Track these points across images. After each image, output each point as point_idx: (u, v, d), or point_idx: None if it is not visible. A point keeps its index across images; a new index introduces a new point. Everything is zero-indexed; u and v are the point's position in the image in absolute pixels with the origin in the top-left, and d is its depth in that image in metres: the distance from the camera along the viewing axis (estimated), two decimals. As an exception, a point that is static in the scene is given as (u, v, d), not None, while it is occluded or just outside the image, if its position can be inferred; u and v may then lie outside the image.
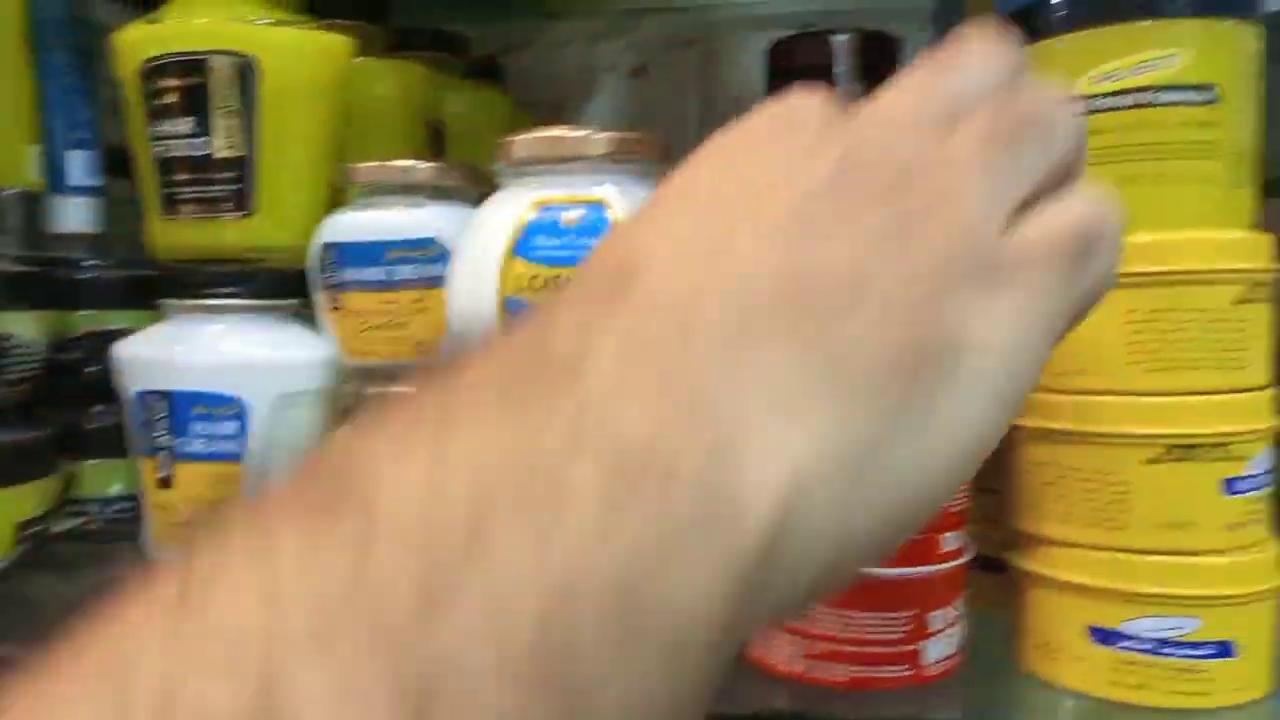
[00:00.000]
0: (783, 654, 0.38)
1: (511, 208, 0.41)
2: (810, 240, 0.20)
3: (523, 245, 0.40)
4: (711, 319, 0.18)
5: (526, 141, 0.41)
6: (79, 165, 0.57)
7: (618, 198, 0.40)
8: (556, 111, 0.85)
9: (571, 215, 0.40)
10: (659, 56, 0.85)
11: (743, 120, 0.23)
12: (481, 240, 0.41)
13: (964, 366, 0.20)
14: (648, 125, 0.82)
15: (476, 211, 0.43)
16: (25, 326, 0.52)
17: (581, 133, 0.41)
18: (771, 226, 0.20)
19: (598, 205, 0.40)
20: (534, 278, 0.39)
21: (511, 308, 0.40)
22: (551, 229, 0.40)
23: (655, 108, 0.85)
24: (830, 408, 0.18)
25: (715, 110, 0.84)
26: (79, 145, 0.58)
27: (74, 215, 0.57)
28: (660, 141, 0.42)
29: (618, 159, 0.41)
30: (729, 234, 0.20)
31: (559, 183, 0.40)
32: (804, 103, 0.23)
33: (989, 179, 0.22)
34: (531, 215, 0.40)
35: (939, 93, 0.23)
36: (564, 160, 0.41)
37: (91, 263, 0.57)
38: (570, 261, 0.39)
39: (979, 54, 0.23)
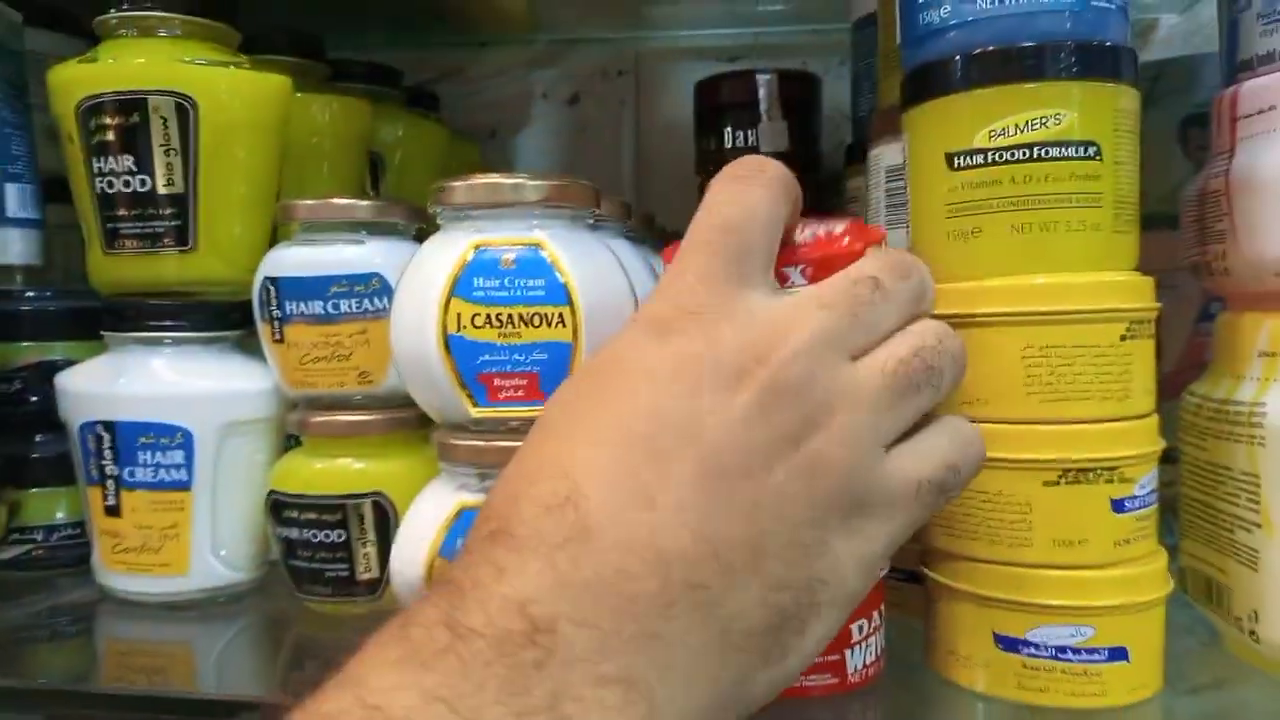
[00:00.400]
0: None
1: (451, 249, 0.43)
2: (719, 502, 0.23)
3: (463, 285, 0.42)
4: (639, 591, 0.22)
5: (465, 187, 0.43)
6: (15, 199, 0.58)
7: (551, 240, 0.42)
8: (490, 137, 0.87)
9: (509, 257, 0.42)
10: (592, 85, 0.87)
11: (665, 321, 0.27)
12: (422, 279, 0.43)
13: (825, 598, 0.25)
14: (582, 151, 0.85)
15: (417, 251, 0.44)
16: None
17: (518, 179, 0.43)
18: (690, 480, 0.23)
19: (534, 248, 0.42)
20: (475, 315, 0.41)
21: (453, 344, 0.42)
22: (491, 269, 0.42)
23: (589, 134, 0.87)
24: (712, 665, 0.23)
25: (648, 137, 0.86)
26: (14, 179, 0.58)
27: (12, 248, 0.58)
28: (591, 186, 0.45)
29: (552, 204, 0.43)
30: (652, 488, 0.23)
31: (496, 227, 0.43)
32: (714, 306, 0.27)
33: (887, 416, 0.26)
34: (470, 256, 0.42)
35: (861, 318, 0.27)
36: (501, 205, 0.43)
37: (32, 294, 0.58)
38: (508, 301, 0.41)
39: (896, 280, 0.28)
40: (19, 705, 0.46)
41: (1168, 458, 0.42)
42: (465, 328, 0.41)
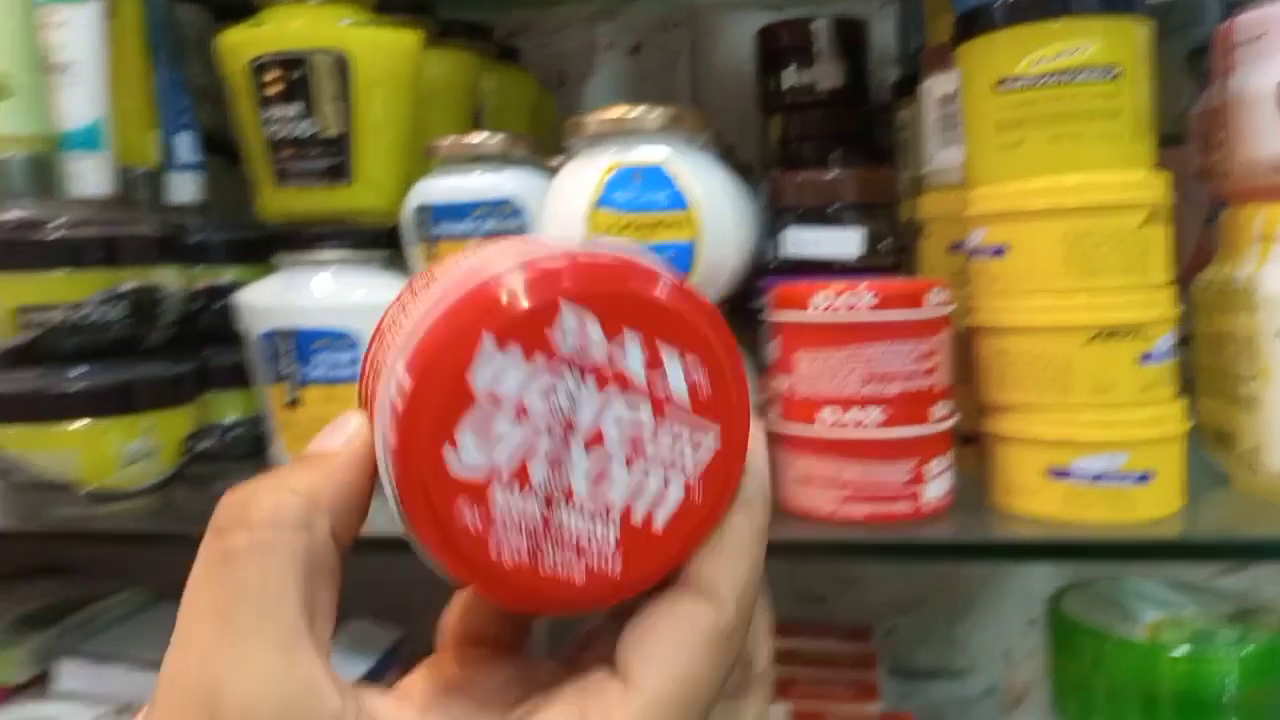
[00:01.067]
0: (818, 501, 0.51)
1: (591, 171, 0.52)
2: None
3: (605, 199, 0.51)
4: None
5: (597, 120, 0.53)
6: (185, 145, 0.67)
7: (672, 158, 0.52)
8: (559, 86, 0.96)
9: (639, 173, 0.51)
10: (652, 36, 0.96)
11: None
12: (566, 196, 0.52)
13: None
14: (643, 97, 0.93)
15: (558, 175, 0.54)
16: (169, 280, 0.62)
17: (641, 110, 0.52)
18: None
19: (658, 167, 0.52)
20: (613, 222, 0.51)
21: (596, 247, 0.51)
22: (624, 183, 0.51)
23: (649, 81, 0.96)
24: None
25: (702, 83, 0.95)
26: (185, 128, 0.67)
27: (184, 188, 0.67)
28: (702, 114, 0.54)
29: (671, 129, 0.52)
30: None
31: (626, 151, 0.52)
32: None
33: None
34: (609, 175, 0.52)
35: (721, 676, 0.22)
36: (629, 132, 0.52)
37: (202, 226, 0.68)
38: (640, 208, 0.51)
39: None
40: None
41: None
42: (607, 231, 0.51)
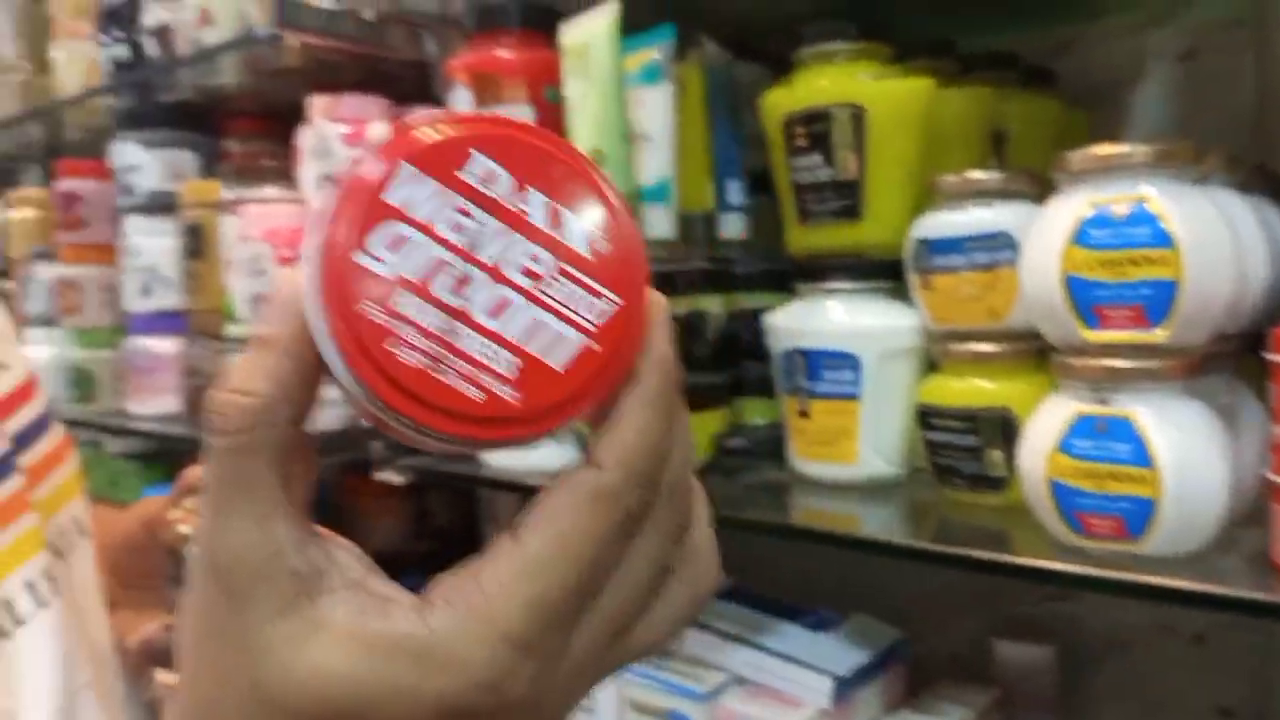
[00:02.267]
0: None
1: (1070, 207, 0.54)
2: None
3: (1081, 236, 0.53)
4: None
5: (1080, 156, 0.54)
6: (734, 190, 0.81)
7: (1157, 195, 0.52)
8: (1100, 104, 0.94)
9: (1120, 210, 0.52)
10: (1209, 39, 0.90)
11: None
12: (1046, 233, 0.55)
13: None
14: (1197, 106, 0.88)
15: (1040, 211, 0.57)
16: (713, 305, 0.76)
17: (1124, 147, 0.53)
18: None
19: (1140, 202, 0.52)
20: (1090, 259, 0.53)
21: (1072, 283, 0.53)
22: (1104, 222, 0.52)
23: (1206, 92, 0.90)
24: None
25: (1273, 96, 0.87)
26: (733, 175, 0.81)
27: (733, 226, 0.80)
28: (1193, 146, 0.53)
29: (1156, 164, 0.52)
30: None
31: (1108, 187, 0.53)
32: None
33: None
34: (1087, 212, 0.53)
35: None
36: (1111, 169, 0.53)
37: (744, 258, 0.80)
38: (1119, 246, 0.52)
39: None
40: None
41: None
42: (1081, 269, 0.53)
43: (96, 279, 1.29)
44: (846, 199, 0.71)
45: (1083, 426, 0.54)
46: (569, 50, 0.74)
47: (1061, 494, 0.54)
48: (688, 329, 0.74)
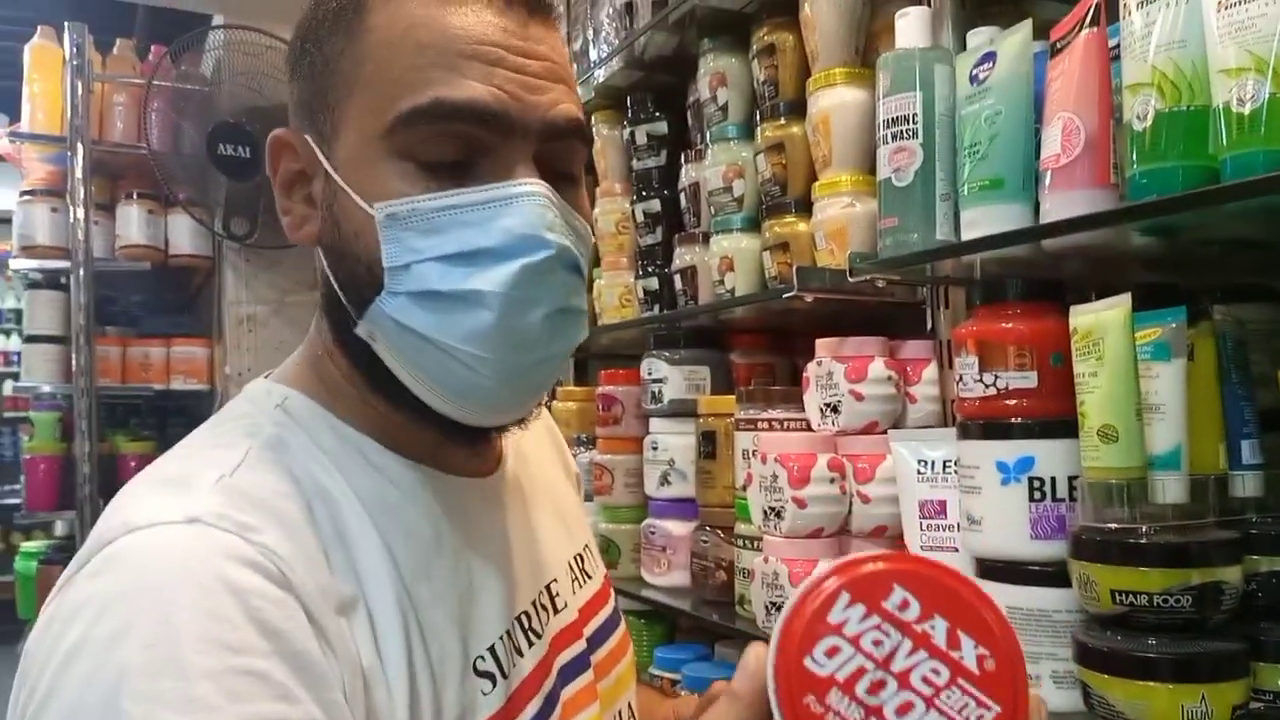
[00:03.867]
0: None
1: None
2: None
3: None
4: None
5: None
6: (1248, 449, 0.82)
7: None
8: None
9: None
10: None
11: None
12: None
13: None
14: None
15: None
16: (1231, 575, 0.77)
17: None
18: None
19: None
20: None
21: None
22: None
23: None
24: None
25: None
26: (1247, 435, 0.82)
27: (1245, 485, 0.82)
28: None
29: None
30: None
31: None
32: None
33: None
34: None
35: None
36: None
37: (1260, 521, 0.81)
38: None
39: None
40: None
41: None
42: None
43: (624, 465, 1.55)
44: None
45: None
46: (1079, 331, 0.81)
47: None
48: (1201, 600, 0.76)
